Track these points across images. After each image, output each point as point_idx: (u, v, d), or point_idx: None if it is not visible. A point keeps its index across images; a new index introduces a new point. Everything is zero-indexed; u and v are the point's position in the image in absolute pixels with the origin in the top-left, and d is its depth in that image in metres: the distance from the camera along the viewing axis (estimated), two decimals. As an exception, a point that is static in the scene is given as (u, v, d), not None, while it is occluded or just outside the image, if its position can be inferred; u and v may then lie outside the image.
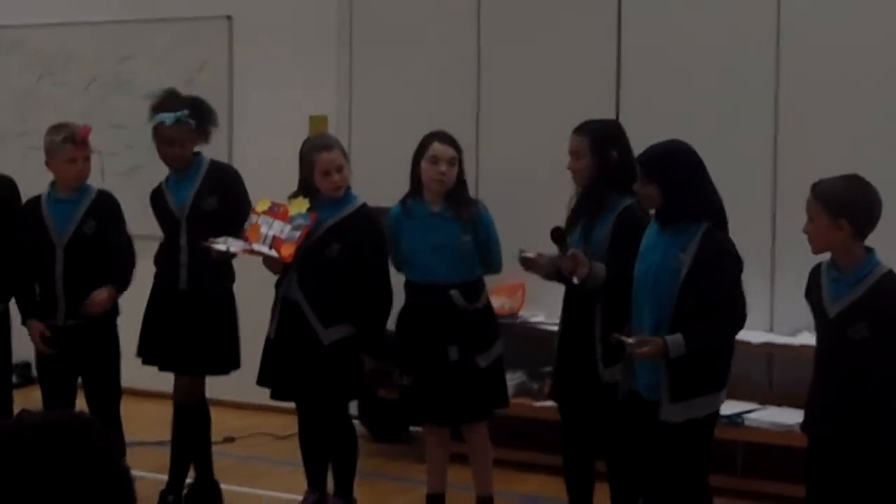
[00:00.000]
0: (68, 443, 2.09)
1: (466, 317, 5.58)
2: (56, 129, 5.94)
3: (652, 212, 4.86)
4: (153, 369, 6.07)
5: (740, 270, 4.72)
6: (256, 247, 5.64)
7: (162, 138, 5.95)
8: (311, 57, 7.99)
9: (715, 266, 4.65)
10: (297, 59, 8.04)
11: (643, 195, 4.81)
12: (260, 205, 5.75)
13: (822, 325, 4.51)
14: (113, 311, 6.01)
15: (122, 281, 5.90)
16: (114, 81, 8.67)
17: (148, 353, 6.08)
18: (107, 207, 5.98)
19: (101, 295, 5.80)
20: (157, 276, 6.08)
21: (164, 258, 6.00)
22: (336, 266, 5.61)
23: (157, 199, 6.09)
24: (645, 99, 6.98)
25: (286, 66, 8.04)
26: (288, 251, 5.59)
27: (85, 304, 5.79)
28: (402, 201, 5.73)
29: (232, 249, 5.69)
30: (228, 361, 6.05)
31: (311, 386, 5.66)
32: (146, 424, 6.88)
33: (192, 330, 5.90)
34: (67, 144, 5.85)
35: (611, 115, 6.74)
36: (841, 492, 4.45)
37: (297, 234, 5.60)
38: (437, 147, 5.58)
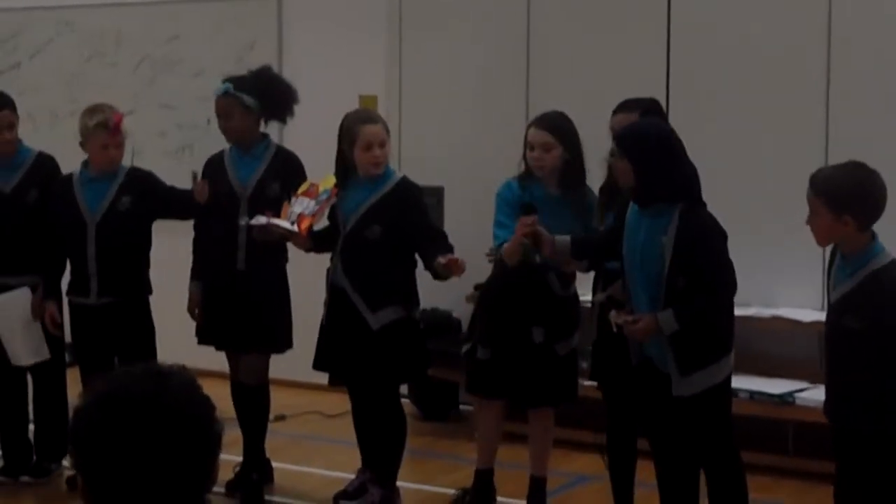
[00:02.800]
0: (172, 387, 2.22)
1: (557, 302, 5.53)
2: (90, 112, 5.98)
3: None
4: (184, 347, 6.08)
5: (724, 242, 4.70)
6: (275, 221, 5.66)
7: (215, 109, 6.06)
8: (361, 36, 7.98)
9: (698, 245, 4.64)
10: (347, 38, 8.03)
11: (618, 171, 4.80)
12: (302, 187, 5.78)
13: (828, 309, 4.48)
14: (145, 288, 6.06)
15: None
16: (163, 61, 8.71)
17: (205, 333, 6.11)
18: (140, 181, 6.02)
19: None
20: (206, 258, 6.07)
21: (217, 238, 6.00)
22: (378, 248, 5.59)
23: (215, 168, 6.09)
24: (694, 78, 6.94)
25: (336, 45, 8.04)
26: (305, 224, 5.62)
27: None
28: (519, 176, 5.54)
29: (253, 223, 5.71)
30: (286, 340, 6.07)
31: (363, 371, 5.67)
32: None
33: (255, 310, 5.91)
34: (100, 130, 5.90)
35: (661, 96, 6.70)
36: (857, 480, 4.42)
37: (318, 207, 5.63)
38: (530, 133, 5.52)
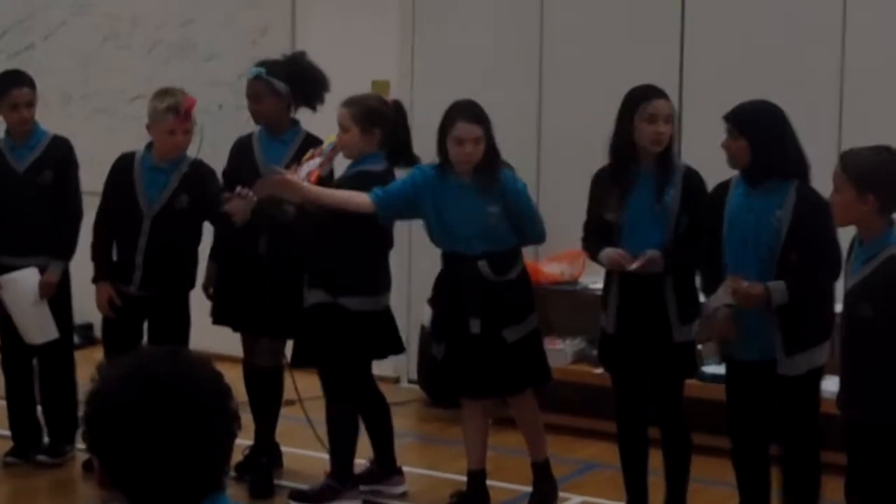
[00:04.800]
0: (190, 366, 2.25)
1: (494, 289, 5.44)
2: (161, 95, 5.92)
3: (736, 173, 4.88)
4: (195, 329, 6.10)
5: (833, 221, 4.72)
6: (287, 175, 5.64)
7: (245, 92, 6.04)
8: (374, 21, 7.97)
9: (815, 220, 4.71)
10: (360, 23, 8.02)
11: (732, 152, 4.80)
12: (305, 156, 5.79)
13: (844, 299, 4.48)
14: (187, 283, 6.05)
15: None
16: (177, 45, 8.70)
17: (222, 314, 6.10)
18: (201, 179, 5.96)
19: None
20: (227, 240, 6.06)
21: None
22: (321, 223, 5.61)
23: (243, 149, 6.09)
24: (709, 63, 6.92)
25: (349, 30, 8.03)
26: (313, 177, 5.62)
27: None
28: (438, 165, 5.52)
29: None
30: None
31: (322, 352, 5.76)
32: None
33: (274, 294, 5.91)
34: (169, 115, 5.83)
35: (674, 80, 6.68)
36: (870, 472, 4.41)
37: (322, 159, 5.66)
38: (462, 127, 5.38)
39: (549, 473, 5.75)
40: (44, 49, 9.13)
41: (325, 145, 5.74)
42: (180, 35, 8.67)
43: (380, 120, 5.62)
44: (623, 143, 5.17)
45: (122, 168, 6.01)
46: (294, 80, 5.98)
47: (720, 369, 5.53)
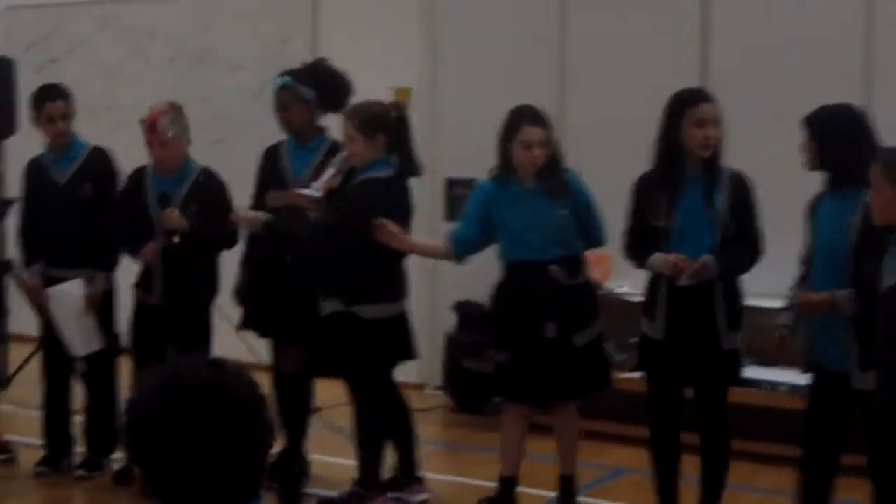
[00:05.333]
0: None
1: (565, 293, 5.42)
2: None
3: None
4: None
5: None
6: (300, 190, 5.68)
7: (273, 102, 6.05)
8: (395, 28, 7.99)
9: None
10: (381, 30, 8.04)
11: (807, 155, 4.77)
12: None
13: (880, 300, 4.41)
14: (209, 293, 6.07)
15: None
16: (199, 56, 8.74)
17: (250, 320, 6.13)
18: (209, 192, 6.01)
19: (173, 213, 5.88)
20: (255, 248, 6.08)
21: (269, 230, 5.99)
22: (329, 234, 5.62)
23: (271, 158, 6.11)
24: (731, 62, 6.90)
25: (370, 37, 8.04)
26: (325, 189, 5.64)
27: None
28: (495, 176, 5.52)
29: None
30: None
31: (343, 361, 5.75)
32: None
33: (301, 301, 5.90)
34: (142, 128, 5.95)
35: (696, 79, 6.66)
36: None
37: (333, 169, 5.67)
38: (528, 131, 5.37)
39: (574, 489, 5.70)
40: (68, 62, 9.19)
41: (338, 156, 5.75)
42: (202, 46, 8.71)
43: (382, 126, 5.62)
44: (670, 147, 5.11)
45: (134, 181, 6.08)
46: (320, 86, 6.01)
47: (753, 373, 5.43)
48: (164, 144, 5.92)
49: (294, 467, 6.09)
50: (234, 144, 8.11)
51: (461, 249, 5.60)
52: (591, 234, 5.53)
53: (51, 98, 6.18)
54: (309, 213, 5.67)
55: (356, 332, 5.57)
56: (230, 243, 6.08)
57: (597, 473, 6.30)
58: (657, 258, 5.09)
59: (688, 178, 5.10)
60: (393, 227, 5.47)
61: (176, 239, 5.89)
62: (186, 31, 8.77)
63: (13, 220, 7.23)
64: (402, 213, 5.64)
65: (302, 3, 8.35)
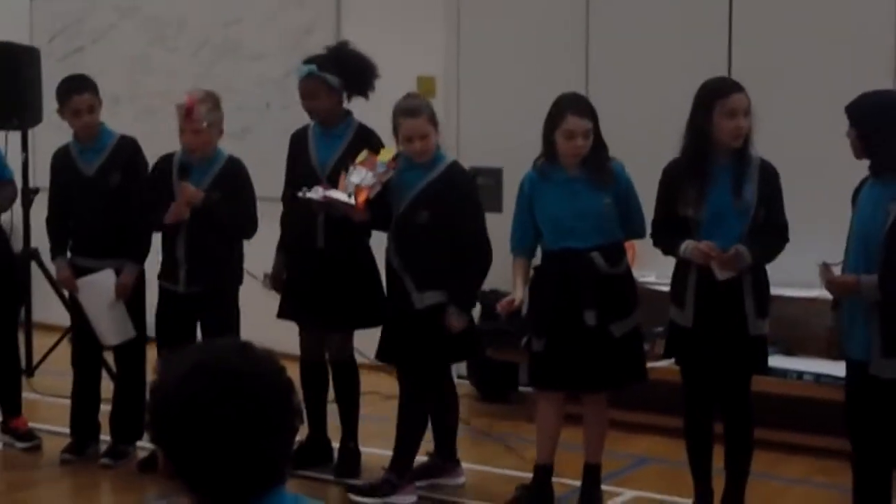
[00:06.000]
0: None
1: (606, 281, 5.39)
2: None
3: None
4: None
5: None
6: (332, 193, 5.68)
7: (298, 91, 6.03)
8: (419, 17, 7.98)
9: None
10: (405, 19, 8.03)
11: (851, 142, 4.75)
12: (360, 156, 5.80)
13: None
14: (235, 279, 6.08)
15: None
16: (223, 45, 8.75)
17: (288, 309, 6.13)
18: (233, 177, 6.02)
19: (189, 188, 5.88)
20: (287, 236, 6.10)
21: (297, 216, 6.00)
22: (427, 232, 5.59)
23: (298, 144, 6.11)
24: (757, 53, 6.87)
25: (394, 26, 8.03)
26: (362, 196, 5.63)
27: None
28: (537, 165, 5.53)
29: (311, 195, 5.72)
30: (369, 317, 6.01)
31: (407, 350, 5.69)
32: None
33: (336, 287, 5.92)
34: (179, 113, 5.95)
35: (722, 71, 6.64)
36: None
37: (375, 180, 5.63)
38: (572, 121, 5.34)
39: (598, 478, 5.68)
40: (93, 52, 9.21)
41: (378, 163, 5.71)
42: (226, 36, 8.72)
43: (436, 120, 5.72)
44: (700, 137, 5.10)
45: (161, 168, 6.08)
46: (344, 72, 6.00)
47: (776, 362, 5.41)
48: (197, 132, 5.93)
49: (353, 444, 6.13)
50: (258, 134, 8.13)
51: (530, 254, 5.59)
52: (632, 223, 5.53)
53: (77, 90, 6.17)
54: (336, 211, 5.73)
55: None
56: (250, 230, 6.08)
57: (621, 463, 6.29)
58: (688, 246, 5.09)
59: (716, 168, 5.10)
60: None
61: (186, 215, 5.87)
62: (211, 21, 8.78)
63: (39, 210, 7.28)
64: None
65: (326, -7, 8.35)
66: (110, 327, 6.22)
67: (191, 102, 5.91)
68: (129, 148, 6.27)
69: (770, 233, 5.11)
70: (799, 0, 6.85)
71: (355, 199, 5.65)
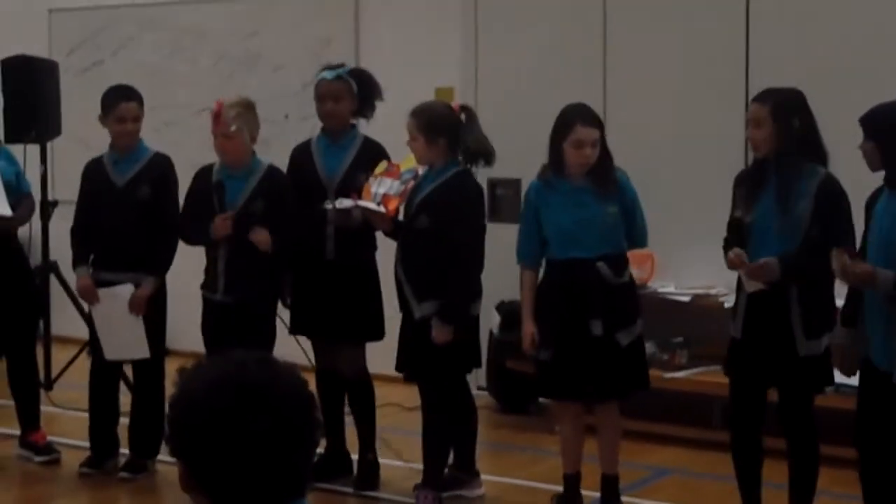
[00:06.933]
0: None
1: (611, 291, 5.40)
2: None
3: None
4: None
5: None
6: (362, 203, 5.68)
7: (318, 94, 6.02)
8: (437, 28, 7.98)
9: None
10: (423, 30, 8.03)
11: (866, 155, 4.73)
12: (378, 167, 5.80)
13: None
14: (269, 290, 6.04)
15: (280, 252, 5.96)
16: (242, 57, 8.77)
17: (299, 324, 6.13)
18: (275, 185, 6.00)
19: (262, 234, 5.85)
20: (298, 248, 6.06)
21: (306, 229, 5.97)
22: (425, 239, 5.58)
23: (302, 157, 6.11)
24: (773, 67, 6.83)
25: (412, 38, 8.04)
26: (392, 205, 5.64)
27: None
28: (542, 176, 5.52)
29: (338, 206, 5.72)
30: (376, 330, 6.06)
31: (414, 361, 5.69)
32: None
33: (346, 299, 5.92)
34: (211, 119, 5.96)
35: (739, 83, 6.61)
36: None
37: (403, 188, 5.64)
38: (581, 131, 5.36)
39: (617, 490, 5.66)
40: (112, 65, 9.24)
41: (403, 170, 5.71)
42: (245, 48, 8.74)
43: (445, 129, 5.62)
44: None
45: (201, 178, 6.08)
46: (360, 85, 6.02)
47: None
48: (226, 136, 5.91)
49: (372, 455, 6.12)
50: (278, 145, 8.13)
51: (537, 265, 5.58)
52: (635, 233, 5.54)
53: (126, 98, 6.22)
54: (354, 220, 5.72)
55: (465, 331, 5.57)
56: (297, 244, 6.01)
57: (641, 474, 6.26)
58: (730, 252, 5.06)
59: (770, 177, 5.05)
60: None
61: (229, 230, 5.84)
62: (231, 33, 8.80)
63: (57, 223, 7.30)
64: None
65: (345, 5, 8.35)
66: (112, 341, 6.21)
67: (218, 107, 5.93)
68: (162, 164, 6.27)
69: (819, 252, 4.86)
70: (817, 16, 6.81)
71: (385, 206, 5.65)
